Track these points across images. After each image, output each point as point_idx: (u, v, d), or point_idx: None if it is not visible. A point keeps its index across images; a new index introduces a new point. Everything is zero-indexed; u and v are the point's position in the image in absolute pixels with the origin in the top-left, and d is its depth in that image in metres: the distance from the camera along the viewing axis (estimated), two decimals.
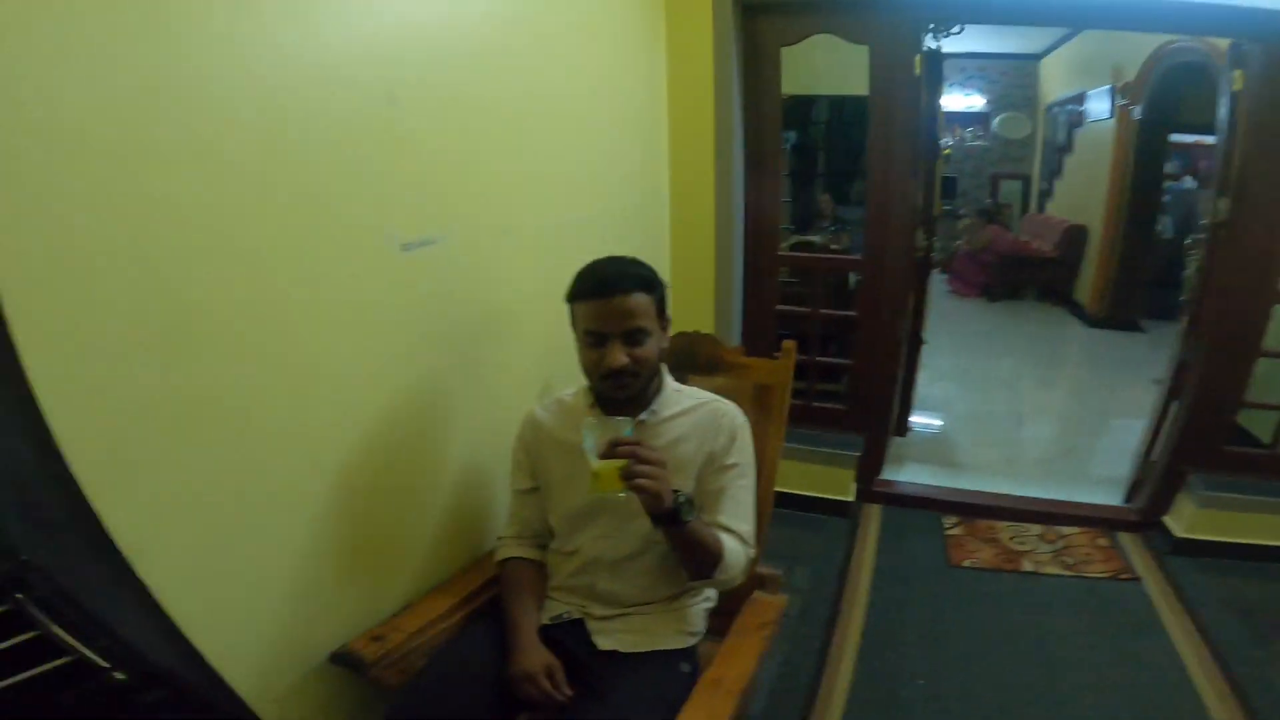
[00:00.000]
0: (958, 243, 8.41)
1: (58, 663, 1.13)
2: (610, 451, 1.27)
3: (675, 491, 1.33)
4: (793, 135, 5.08)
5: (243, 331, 1.24)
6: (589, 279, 1.46)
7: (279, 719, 1.32)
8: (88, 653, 1.17)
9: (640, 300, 1.44)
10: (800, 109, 4.97)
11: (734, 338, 2.89)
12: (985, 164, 9.31)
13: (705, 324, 2.72)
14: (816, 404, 3.23)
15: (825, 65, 3.92)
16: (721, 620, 1.57)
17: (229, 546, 1.25)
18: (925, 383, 4.23)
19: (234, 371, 1.24)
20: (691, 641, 1.53)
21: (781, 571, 1.72)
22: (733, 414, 1.56)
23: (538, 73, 1.86)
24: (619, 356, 1.42)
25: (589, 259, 1.52)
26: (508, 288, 1.82)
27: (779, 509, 1.85)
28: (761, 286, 3.02)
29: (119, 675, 1.14)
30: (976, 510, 3.24)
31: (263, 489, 1.30)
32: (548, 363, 1.93)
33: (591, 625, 1.49)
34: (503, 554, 1.60)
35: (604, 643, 1.46)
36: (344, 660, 1.37)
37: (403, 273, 1.50)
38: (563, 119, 1.97)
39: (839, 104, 4.97)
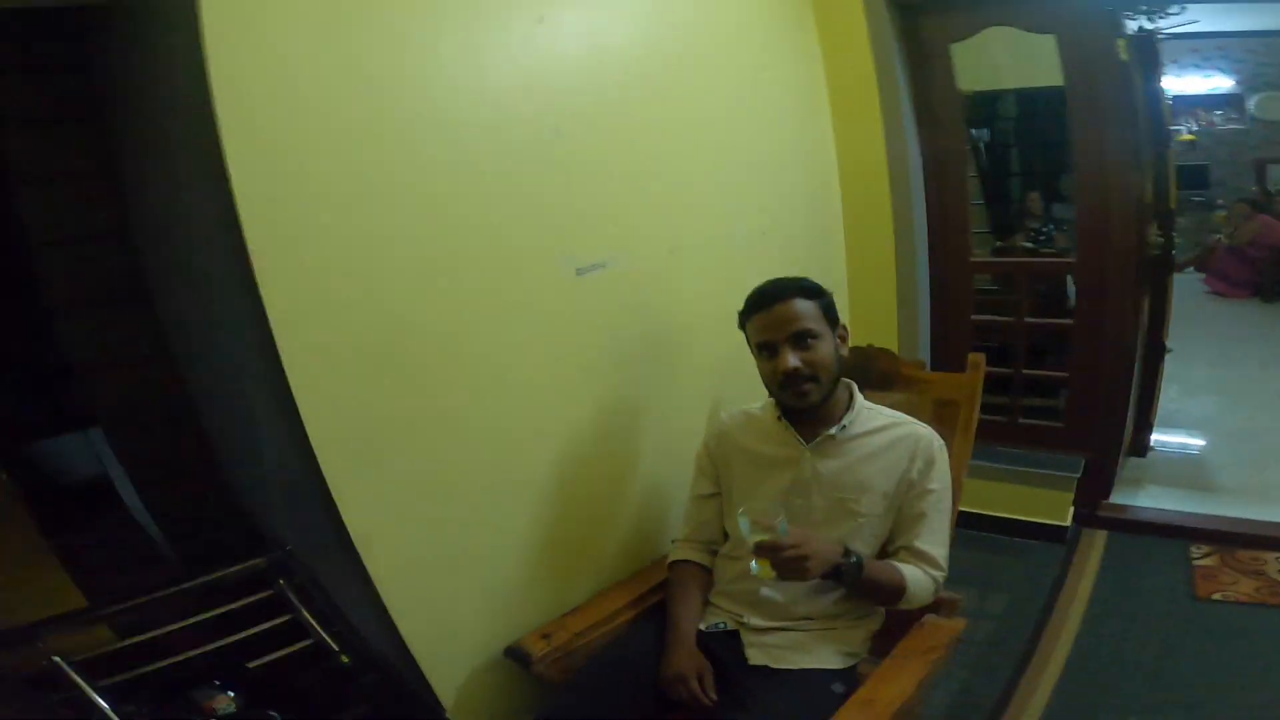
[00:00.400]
0: (1216, 237, 7.30)
1: (302, 644, 1.38)
2: (759, 551, 1.36)
3: (846, 553, 1.40)
4: (986, 133, 4.73)
5: (446, 353, 1.46)
6: (752, 297, 1.57)
7: (456, 706, 1.48)
8: (326, 637, 1.40)
9: (802, 305, 1.52)
10: (985, 106, 4.63)
11: (921, 353, 2.76)
12: (1244, 149, 8.06)
13: (888, 340, 2.64)
14: (1025, 420, 2.98)
15: (1007, 58, 3.65)
16: (888, 641, 1.52)
17: (434, 544, 1.45)
18: (1176, 396, 3.73)
19: (439, 389, 1.46)
20: (849, 662, 1.51)
21: (974, 596, 1.63)
22: (929, 438, 1.56)
23: (694, 96, 1.93)
24: (789, 359, 1.48)
25: (760, 277, 1.59)
26: (679, 307, 1.91)
27: (976, 531, 1.78)
28: (951, 297, 2.87)
29: (345, 659, 1.35)
30: (1239, 539, 2.79)
31: (464, 493, 1.50)
32: (720, 380, 1.99)
33: (746, 638, 1.51)
34: (674, 556, 1.68)
35: (756, 657, 1.48)
36: (515, 655, 1.50)
37: (578, 296, 1.65)
38: (722, 139, 2.02)
39: (1029, 97, 4.57)
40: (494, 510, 1.55)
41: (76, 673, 1.29)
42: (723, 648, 1.50)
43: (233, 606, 1.49)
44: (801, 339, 1.50)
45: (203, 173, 1.24)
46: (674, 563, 1.68)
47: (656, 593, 1.68)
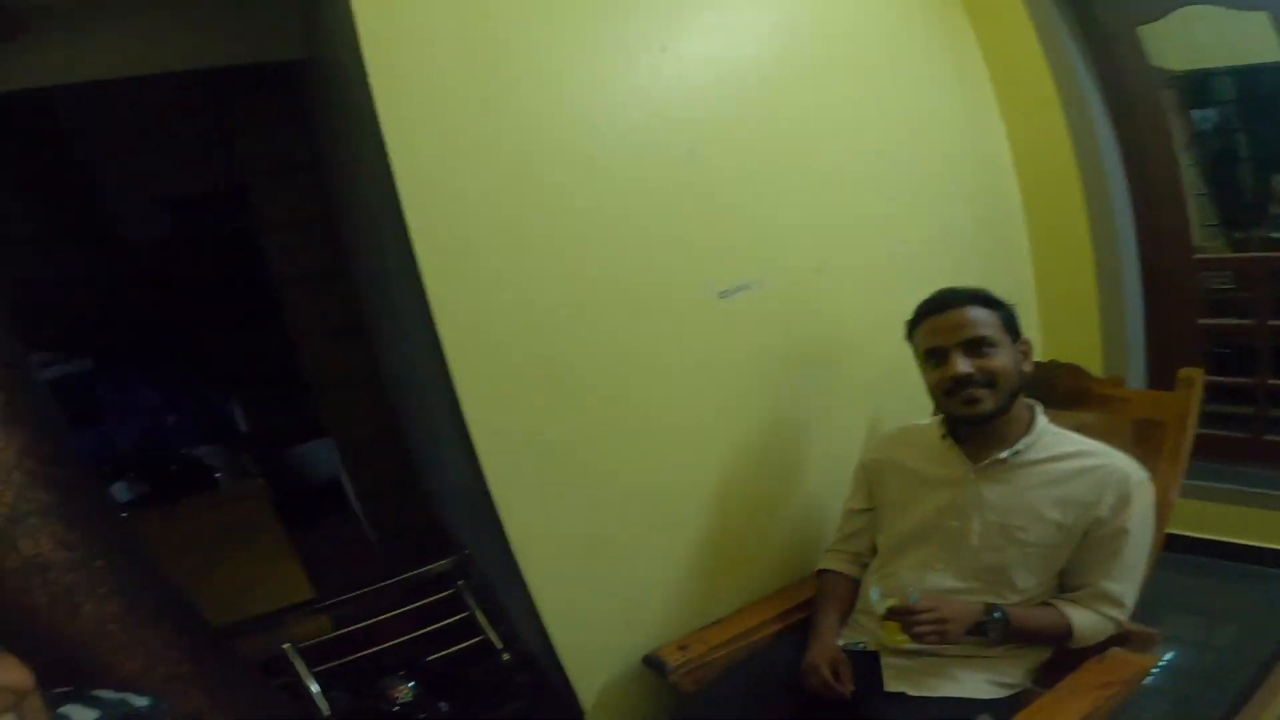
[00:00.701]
0: None
1: (472, 641, 1.52)
2: (890, 616, 1.34)
3: (989, 609, 1.34)
4: (1213, 114, 4.05)
5: (596, 378, 1.55)
6: (922, 305, 1.50)
7: (595, 708, 1.54)
8: (494, 636, 1.54)
9: (978, 313, 1.42)
10: (1198, 87, 3.94)
11: (1133, 366, 2.44)
12: None
13: (1090, 353, 2.37)
14: (1272, 437, 2.55)
15: (1210, 35, 3.10)
16: (1064, 671, 1.36)
17: (584, 555, 1.54)
18: None
19: (591, 412, 1.55)
20: (1002, 693, 1.38)
21: (1198, 625, 1.44)
22: (1127, 474, 1.39)
23: (835, 108, 1.87)
24: (959, 363, 1.39)
25: (928, 288, 1.52)
26: (831, 325, 1.85)
27: (1207, 558, 1.54)
28: (1170, 300, 2.51)
29: (506, 657, 1.48)
30: None
31: (614, 509, 1.58)
32: (882, 398, 1.91)
33: (885, 660, 1.44)
34: (822, 564, 1.65)
35: (893, 681, 1.40)
36: (652, 663, 1.54)
37: (723, 318, 1.67)
38: (870, 149, 1.93)
39: (1249, 75, 3.83)
40: (643, 525, 1.61)
41: (300, 659, 1.53)
42: (859, 669, 1.43)
43: (423, 603, 1.69)
44: (976, 346, 1.40)
45: (389, 217, 1.44)
46: (821, 571, 1.65)
47: (803, 609, 1.65)
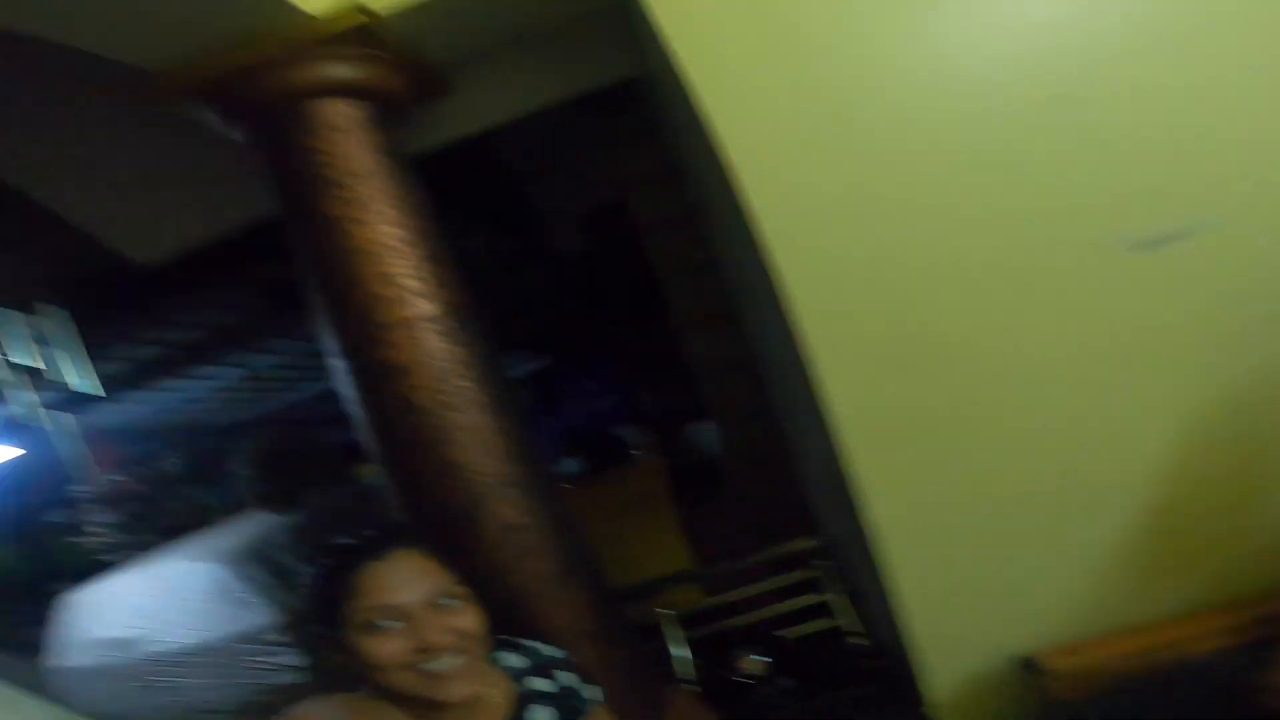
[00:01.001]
0: None
1: (824, 621, 1.47)
2: None
3: None
4: None
5: (974, 352, 1.40)
6: None
7: (944, 704, 1.39)
8: (846, 619, 1.46)
9: None
10: None
11: None
12: None
13: None
14: None
15: None
16: None
17: (956, 544, 1.40)
18: None
19: (971, 390, 1.41)
20: None
21: None
22: None
23: None
24: None
25: None
26: None
27: None
28: None
29: (857, 641, 1.39)
30: None
31: (995, 494, 1.41)
32: None
33: None
34: None
35: None
36: (1029, 666, 1.35)
37: (1144, 273, 1.37)
38: None
39: None
40: (1032, 513, 1.41)
41: (675, 626, 1.64)
42: None
43: (781, 581, 1.69)
44: None
45: (737, 208, 1.47)
46: None
47: (1266, 625, 1.25)
